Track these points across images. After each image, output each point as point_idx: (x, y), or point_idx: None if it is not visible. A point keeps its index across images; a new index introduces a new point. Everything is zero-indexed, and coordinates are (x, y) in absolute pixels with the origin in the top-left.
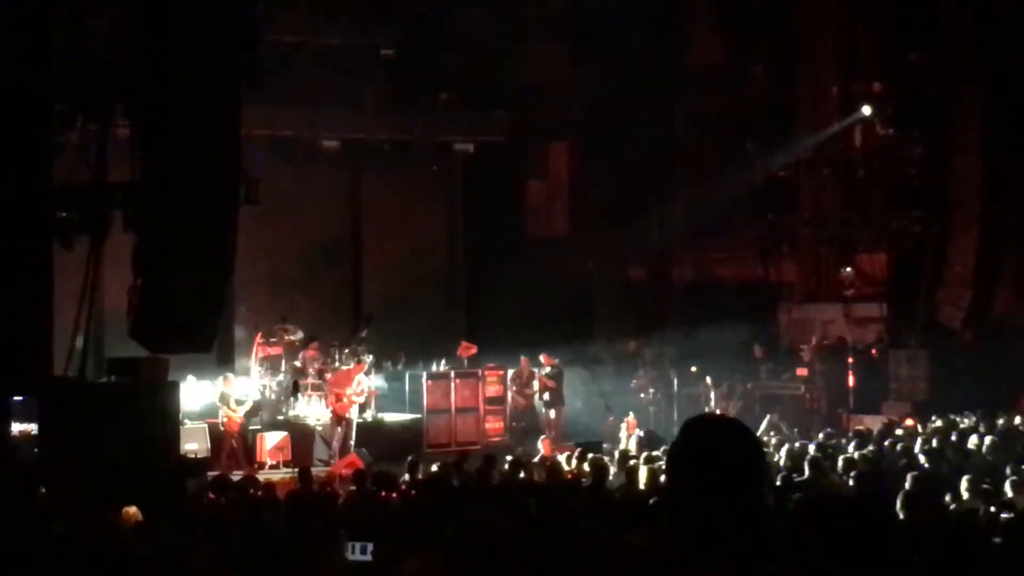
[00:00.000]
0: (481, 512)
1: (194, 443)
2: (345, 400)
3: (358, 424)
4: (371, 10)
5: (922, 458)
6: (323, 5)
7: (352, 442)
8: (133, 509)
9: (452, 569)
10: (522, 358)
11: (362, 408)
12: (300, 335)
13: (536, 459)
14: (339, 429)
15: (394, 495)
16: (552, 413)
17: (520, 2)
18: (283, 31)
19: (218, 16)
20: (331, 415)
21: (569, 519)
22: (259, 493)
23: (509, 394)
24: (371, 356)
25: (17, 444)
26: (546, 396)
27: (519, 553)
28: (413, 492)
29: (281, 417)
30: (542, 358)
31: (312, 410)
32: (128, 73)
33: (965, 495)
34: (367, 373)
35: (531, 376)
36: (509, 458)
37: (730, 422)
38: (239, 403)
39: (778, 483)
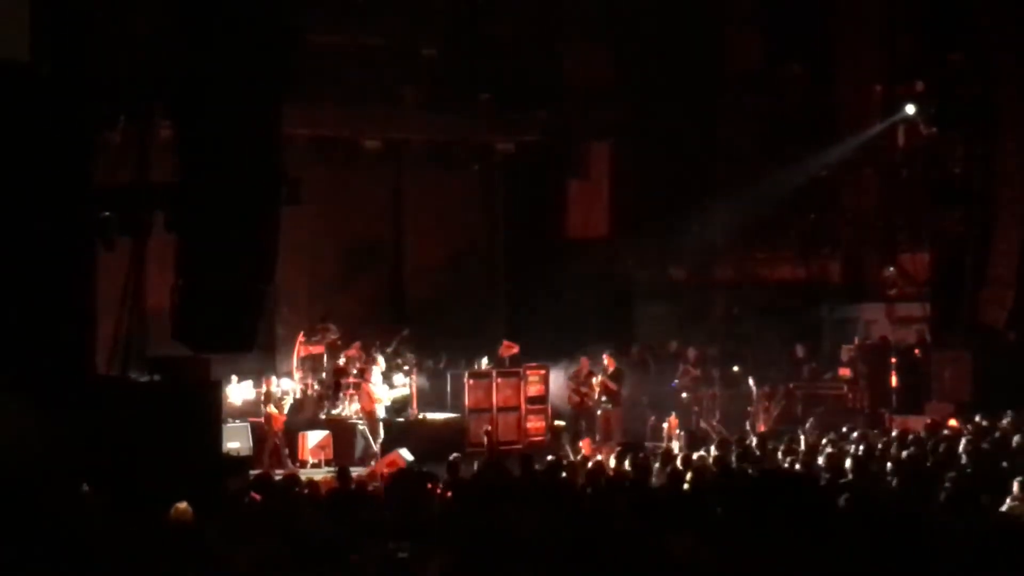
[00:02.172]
0: (519, 512)
1: (236, 442)
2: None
3: (398, 424)
4: (412, 10)
5: (965, 459)
6: (364, 6)
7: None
8: (184, 505)
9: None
10: (582, 358)
11: (400, 409)
12: (341, 334)
13: (577, 459)
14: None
15: (435, 494)
16: (611, 414)
17: (560, 2)
18: (324, 32)
19: (258, 16)
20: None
21: (610, 519)
22: (304, 492)
23: (568, 391)
24: (413, 355)
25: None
26: (604, 398)
27: (557, 553)
28: (453, 492)
29: (323, 416)
30: (604, 359)
31: (354, 409)
32: (169, 73)
33: (1017, 496)
34: (407, 373)
35: (590, 376)
36: (550, 458)
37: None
38: (281, 401)
39: (822, 484)
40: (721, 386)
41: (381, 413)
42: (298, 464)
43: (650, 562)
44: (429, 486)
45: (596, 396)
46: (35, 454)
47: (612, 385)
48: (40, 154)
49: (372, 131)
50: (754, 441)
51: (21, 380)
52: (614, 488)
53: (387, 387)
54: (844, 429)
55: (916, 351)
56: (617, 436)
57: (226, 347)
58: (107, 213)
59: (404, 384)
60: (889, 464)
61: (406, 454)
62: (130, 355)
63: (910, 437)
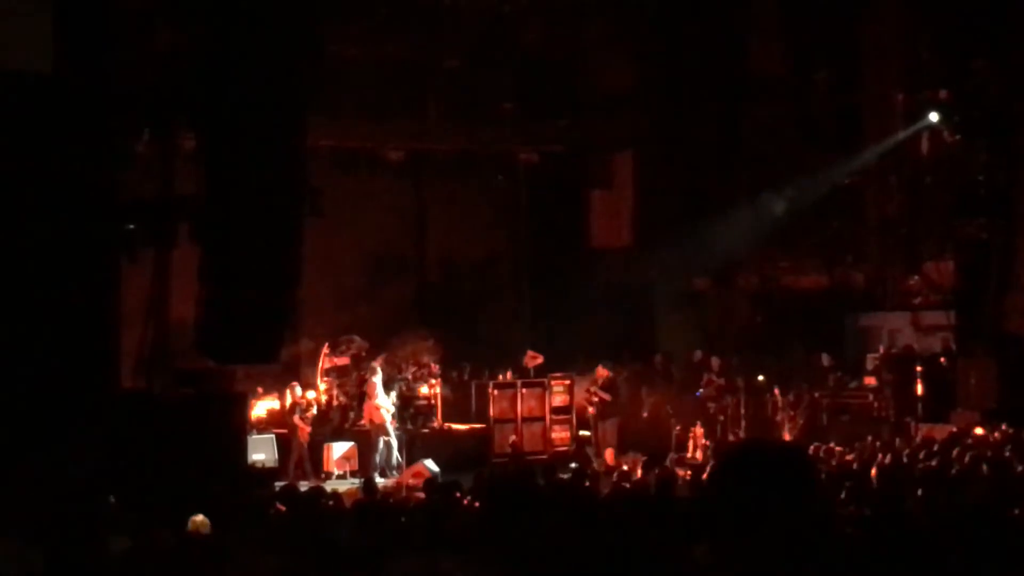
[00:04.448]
0: (544, 523)
1: (261, 454)
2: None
3: (424, 434)
4: (435, 22)
5: (992, 467)
6: (387, 18)
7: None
8: (200, 518)
9: None
10: (598, 368)
11: (424, 418)
12: (367, 346)
13: (601, 469)
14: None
15: (461, 505)
16: (606, 425)
17: (583, 12)
18: (347, 43)
19: (282, 28)
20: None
21: (635, 530)
22: (329, 503)
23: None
24: (437, 366)
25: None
26: (600, 408)
27: (582, 564)
28: (479, 502)
29: (348, 427)
30: (598, 370)
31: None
32: (193, 85)
33: None
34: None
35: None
36: (573, 466)
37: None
38: (306, 412)
39: (844, 495)
40: (746, 395)
41: (388, 420)
42: (323, 475)
43: (675, 573)
44: (456, 495)
45: (593, 407)
46: (60, 467)
47: (605, 395)
48: (64, 166)
49: (395, 142)
50: None
51: (46, 393)
52: (639, 498)
53: (389, 394)
54: (869, 438)
55: (941, 359)
56: (615, 446)
57: (251, 358)
58: (132, 226)
59: (426, 394)
60: (914, 473)
61: (431, 465)
62: (155, 367)
63: (935, 446)
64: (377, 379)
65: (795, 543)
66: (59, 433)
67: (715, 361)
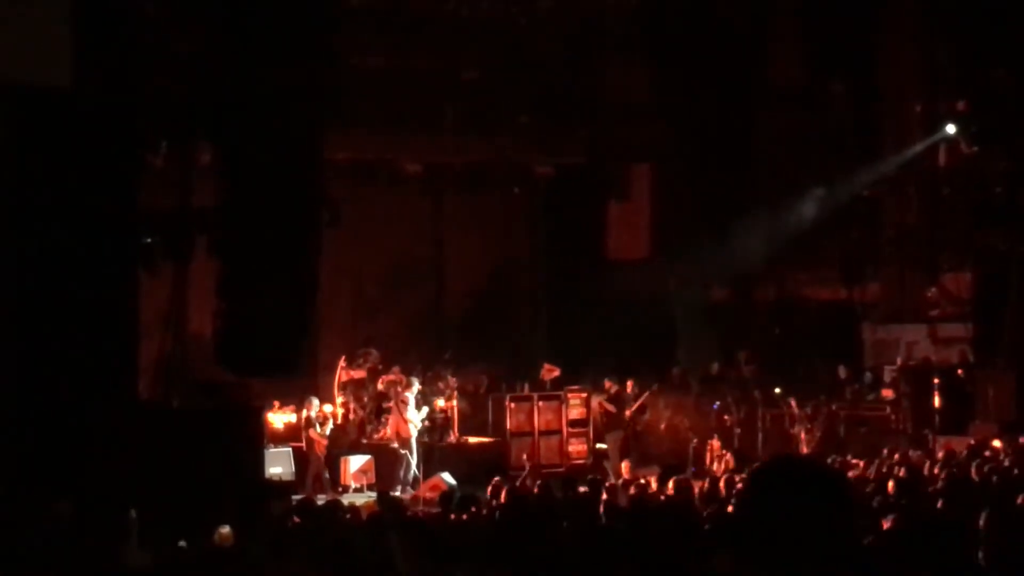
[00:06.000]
0: (563, 535)
1: (279, 467)
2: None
3: (440, 448)
4: (452, 33)
5: (1010, 479)
6: (404, 29)
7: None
8: (226, 530)
9: None
10: (605, 381)
11: (441, 431)
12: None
13: (620, 482)
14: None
15: (477, 518)
16: (609, 438)
17: (600, 23)
18: (364, 55)
19: (299, 41)
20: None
21: (653, 542)
22: (346, 516)
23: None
24: (454, 379)
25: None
26: (604, 421)
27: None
28: (496, 515)
29: (364, 440)
30: (605, 383)
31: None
32: (210, 98)
33: None
34: (448, 397)
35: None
36: (590, 477)
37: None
38: (322, 425)
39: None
40: (763, 407)
41: (415, 436)
42: (340, 489)
43: None
44: (472, 509)
45: (599, 419)
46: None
47: (610, 407)
48: (82, 179)
49: (412, 154)
50: None
51: (65, 404)
52: (656, 511)
53: (420, 411)
54: (886, 451)
55: (959, 371)
56: (618, 459)
57: (269, 371)
58: (149, 238)
59: (442, 407)
60: (931, 485)
61: (448, 478)
62: (172, 379)
63: (954, 459)
64: (411, 393)
65: (826, 563)
66: (78, 444)
67: (731, 372)
